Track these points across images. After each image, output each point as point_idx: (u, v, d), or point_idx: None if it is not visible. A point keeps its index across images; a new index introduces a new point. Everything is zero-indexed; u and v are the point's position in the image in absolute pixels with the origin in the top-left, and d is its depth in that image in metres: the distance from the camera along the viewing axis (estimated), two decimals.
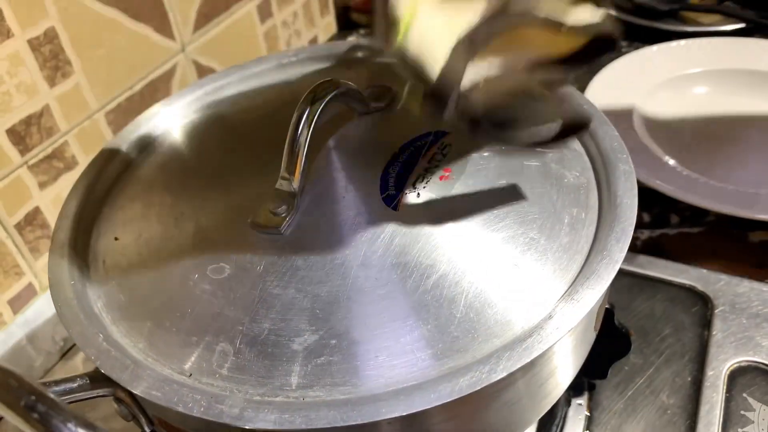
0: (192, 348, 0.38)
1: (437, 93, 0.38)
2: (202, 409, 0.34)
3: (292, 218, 0.42)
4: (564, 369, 0.41)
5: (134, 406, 0.38)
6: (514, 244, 0.40)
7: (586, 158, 0.47)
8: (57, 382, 0.34)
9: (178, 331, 0.39)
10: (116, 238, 0.45)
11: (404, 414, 0.32)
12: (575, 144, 0.48)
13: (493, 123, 0.40)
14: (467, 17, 0.37)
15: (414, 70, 0.40)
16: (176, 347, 0.38)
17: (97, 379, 0.36)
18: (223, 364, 0.37)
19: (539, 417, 0.42)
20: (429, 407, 0.32)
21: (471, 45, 0.37)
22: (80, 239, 0.46)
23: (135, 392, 0.35)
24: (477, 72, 0.38)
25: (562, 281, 0.38)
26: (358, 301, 0.38)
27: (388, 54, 0.45)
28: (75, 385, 0.35)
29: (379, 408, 0.33)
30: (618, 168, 0.44)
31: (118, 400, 0.37)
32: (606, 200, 0.43)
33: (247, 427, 0.33)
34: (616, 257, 0.38)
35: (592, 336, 0.43)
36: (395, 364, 0.35)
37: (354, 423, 0.32)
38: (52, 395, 0.24)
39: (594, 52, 0.38)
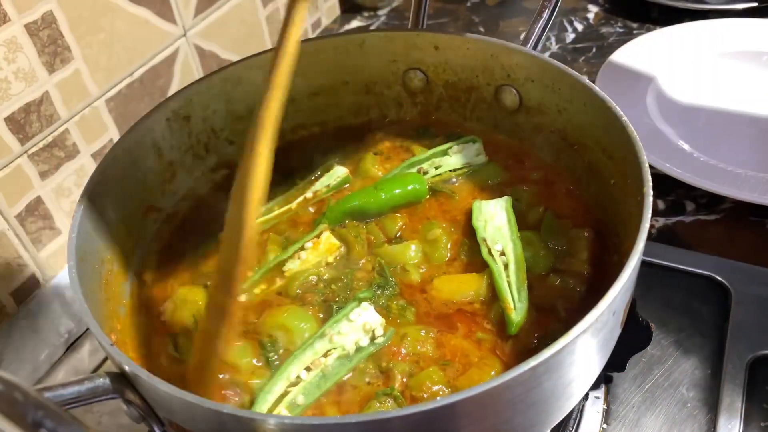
0: None
1: None
2: None
3: None
4: (590, 367, 0.40)
5: (144, 407, 0.37)
6: None
7: None
8: (64, 386, 0.33)
9: None
10: None
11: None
12: None
13: None
14: None
15: None
16: None
17: (105, 379, 0.35)
18: None
19: (564, 415, 0.41)
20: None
21: None
22: None
23: None
24: None
25: None
26: None
27: None
28: (83, 388, 0.33)
29: None
30: None
31: (127, 401, 0.36)
32: None
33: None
34: None
35: (617, 333, 0.41)
36: None
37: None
38: (60, 409, 0.22)
39: None
